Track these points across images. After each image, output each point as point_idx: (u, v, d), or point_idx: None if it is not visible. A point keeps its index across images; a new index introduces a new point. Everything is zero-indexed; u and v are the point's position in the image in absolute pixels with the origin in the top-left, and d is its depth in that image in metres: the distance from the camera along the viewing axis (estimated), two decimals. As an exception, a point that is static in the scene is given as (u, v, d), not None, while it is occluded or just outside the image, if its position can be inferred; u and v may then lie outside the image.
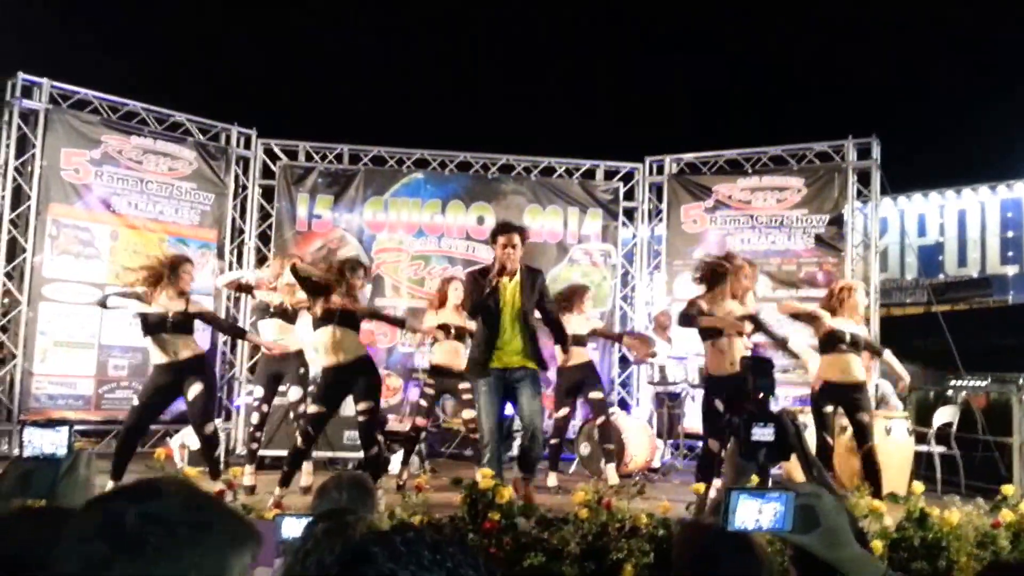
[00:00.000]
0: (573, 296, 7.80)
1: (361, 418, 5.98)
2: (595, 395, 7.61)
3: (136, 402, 6.28)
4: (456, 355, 7.26)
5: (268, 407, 7.04)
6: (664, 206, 10.78)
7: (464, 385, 7.11)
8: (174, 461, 7.14)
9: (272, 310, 7.07)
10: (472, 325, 6.45)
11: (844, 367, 6.17)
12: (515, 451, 7.51)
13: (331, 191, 10.56)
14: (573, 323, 7.55)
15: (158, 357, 6.24)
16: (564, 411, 7.72)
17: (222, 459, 7.56)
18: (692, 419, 9.17)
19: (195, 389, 6.15)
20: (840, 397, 6.13)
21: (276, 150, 10.69)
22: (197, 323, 6.48)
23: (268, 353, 7.03)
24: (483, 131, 15.24)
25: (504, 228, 5.86)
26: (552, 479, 7.42)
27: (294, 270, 6.14)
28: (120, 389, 9.20)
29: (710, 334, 6.07)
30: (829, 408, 6.17)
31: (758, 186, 10.32)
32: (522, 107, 15.61)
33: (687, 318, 6.04)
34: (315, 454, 7.24)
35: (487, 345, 5.73)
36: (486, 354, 5.72)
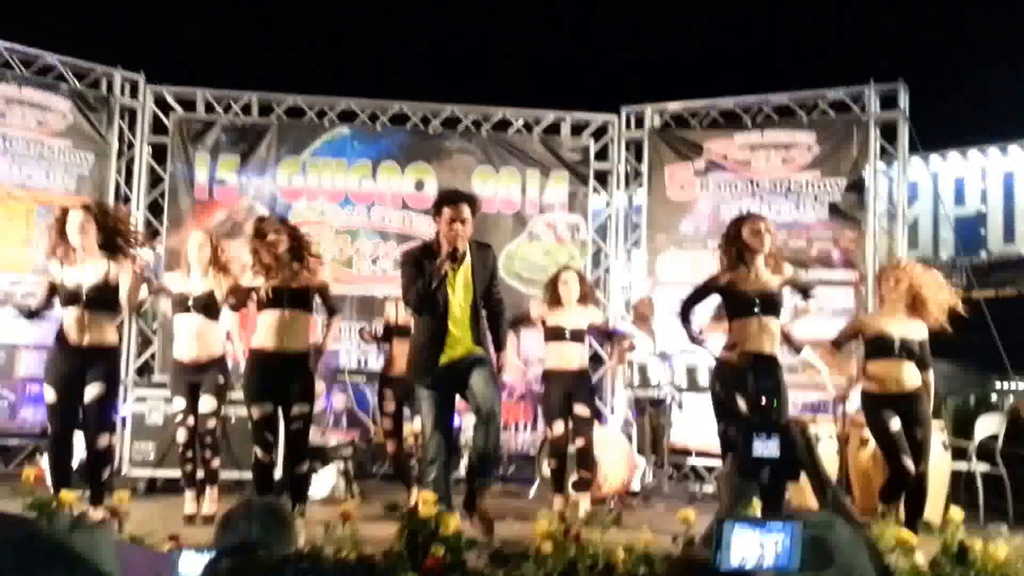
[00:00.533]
0: (559, 285, 7.77)
1: (295, 425, 5.95)
2: (580, 410, 7.56)
3: (49, 399, 6.05)
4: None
5: (195, 419, 6.93)
6: (644, 168, 10.76)
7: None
8: (46, 483, 6.95)
9: (193, 302, 6.87)
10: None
11: (894, 375, 6.33)
12: (463, 471, 7.48)
13: (237, 150, 10.47)
14: (566, 315, 7.58)
15: (65, 335, 6.06)
16: (560, 429, 7.59)
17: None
18: (680, 430, 9.16)
19: (95, 388, 5.98)
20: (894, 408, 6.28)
21: (169, 99, 10.55)
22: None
23: (181, 360, 6.88)
24: (422, 76, 15.14)
25: (451, 198, 5.78)
26: (557, 502, 7.45)
27: (261, 232, 6.06)
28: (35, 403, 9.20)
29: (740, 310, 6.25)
30: (895, 424, 6.23)
31: (760, 143, 10.31)
32: (470, 45, 15.39)
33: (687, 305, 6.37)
34: (222, 475, 7.17)
35: (433, 345, 5.69)
36: (432, 356, 5.67)
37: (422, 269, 5.63)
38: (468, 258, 5.74)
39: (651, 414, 8.97)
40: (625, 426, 9.60)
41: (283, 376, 5.97)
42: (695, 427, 9.08)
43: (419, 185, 10.58)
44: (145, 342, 10.24)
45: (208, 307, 6.85)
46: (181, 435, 6.93)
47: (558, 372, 7.52)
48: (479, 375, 5.66)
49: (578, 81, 15.00)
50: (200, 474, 6.95)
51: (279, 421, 6.08)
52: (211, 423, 6.81)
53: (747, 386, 6.01)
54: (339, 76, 14.01)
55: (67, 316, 6.05)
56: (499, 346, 5.91)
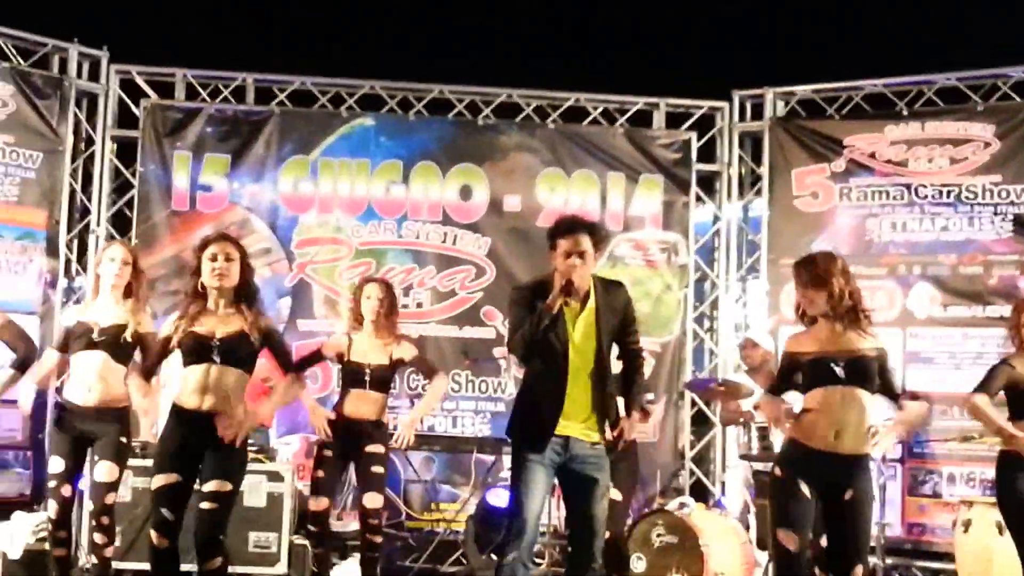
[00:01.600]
0: None
1: (207, 504, 5.99)
2: (614, 493, 7.48)
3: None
4: (367, 401, 7.79)
5: (73, 490, 7.15)
6: (764, 170, 10.87)
7: (373, 449, 7.68)
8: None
9: (97, 336, 7.08)
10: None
11: None
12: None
13: (227, 147, 10.67)
14: None
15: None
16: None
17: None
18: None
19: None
20: None
21: (140, 82, 10.78)
22: None
23: (72, 404, 7.10)
24: (469, 52, 15.00)
25: (566, 227, 5.92)
26: None
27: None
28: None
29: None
30: None
31: (919, 138, 10.35)
32: (531, 11, 15.39)
33: None
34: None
35: (551, 403, 5.82)
36: (550, 417, 5.81)
37: (530, 305, 5.82)
38: (592, 299, 5.90)
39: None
40: (742, 510, 9.61)
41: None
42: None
43: (465, 192, 10.72)
44: None
45: (115, 343, 7.06)
46: (53, 509, 7.10)
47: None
48: (594, 484, 5.86)
49: (676, 57, 14.86)
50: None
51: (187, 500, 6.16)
52: (110, 497, 7.09)
53: None
54: (360, 51, 14.01)
55: None
56: (628, 409, 6.08)
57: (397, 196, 10.72)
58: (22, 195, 10.08)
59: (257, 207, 10.63)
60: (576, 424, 5.80)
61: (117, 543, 7.73)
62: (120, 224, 10.68)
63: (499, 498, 8.46)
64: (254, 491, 8.26)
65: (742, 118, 11.08)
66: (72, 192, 10.50)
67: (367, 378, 7.74)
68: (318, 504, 7.75)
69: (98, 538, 7.03)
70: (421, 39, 15.39)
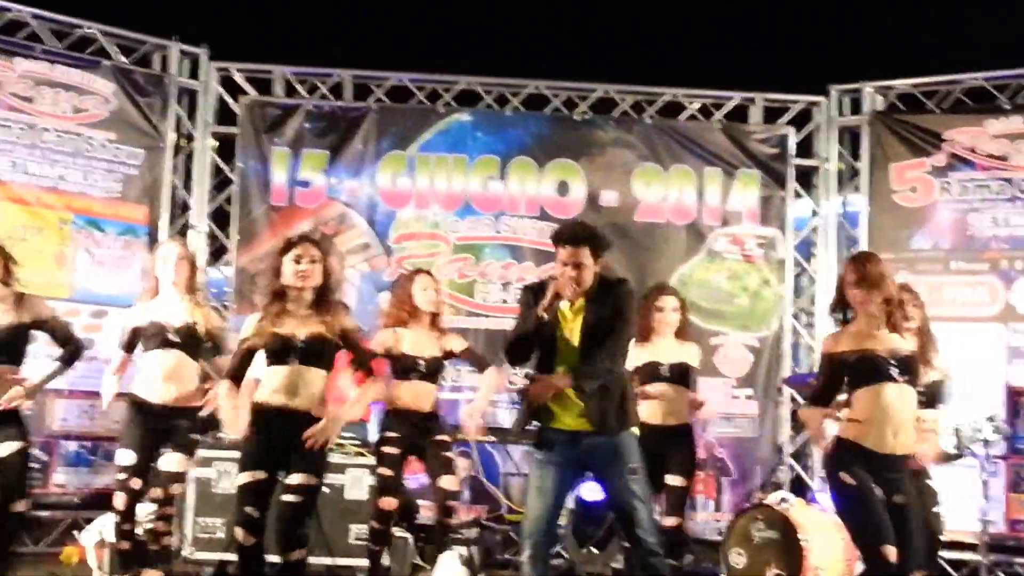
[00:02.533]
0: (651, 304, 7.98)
1: (292, 497, 6.04)
2: (674, 479, 7.69)
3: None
4: (425, 393, 7.83)
5: (143, 482, 7.21)
6: (863, 165, 10.82)
7: (440, 437, 7.76)
8: (89, 565, 7.37)
9: (172, 336, 7.25)
10: None
11: None
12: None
13: (325, 143, 10.75)
14: (658, 349, 7.83)
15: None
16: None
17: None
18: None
19: (9, 445, 6.46)
20: None
21: (239, 79, 10.90)
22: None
23: (146, 401, 7.21)
24: (566, 46, 15.00)
25: (569, 237, 5.98)
26: None
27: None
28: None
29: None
30: None
31: (1022, 131, 10.24)
32: (631, 7, 15.33)
33: None
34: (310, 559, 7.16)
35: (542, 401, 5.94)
36: (544, 415, 5.92)
37: (529, 306, 5.89)
38: (591, 299, 5.91)
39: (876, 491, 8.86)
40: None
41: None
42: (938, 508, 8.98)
43: (562, 188, 10.75)
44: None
45: (190, 339, 7.26)
46: (120, 501, 7.16)
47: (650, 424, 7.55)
48: (623, 468, 5.86)
49: (773, 52, 14.77)
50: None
51: (270, 496, 6.20)
52: (175, 488, 7.26)
53: None
54: (456, 47, 14.05)
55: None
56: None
57: (495, 191, 10.77)
58: (124, 191, 10.22)
59: (355, 202, 10.71)
60: (576, 418, 5.82)
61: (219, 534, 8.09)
62: (219, 219, 10.81)
63: (593, 492, 8.39)
64: (356, 484, 8.30)
65: (840, 113, 11.02)
66: (173, 188, 10.62)
67: (423, 370, 7.76)
68: (388, 504, 7.72)
69: (160, 527, 7.16)
70: (518, 35, 15.36)
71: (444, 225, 10.70)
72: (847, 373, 5.91)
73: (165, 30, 10.67)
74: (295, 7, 14.71)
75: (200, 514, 8.34)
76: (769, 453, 10.43)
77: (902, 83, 10.86)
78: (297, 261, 6.04)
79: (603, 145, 10.83)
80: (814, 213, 11.05)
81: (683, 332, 7.96)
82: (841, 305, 6.00)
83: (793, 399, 10.39)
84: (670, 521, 7.60)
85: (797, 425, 10.55)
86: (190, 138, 10.80)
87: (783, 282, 10.71)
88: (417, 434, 7.77)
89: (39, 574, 7.45)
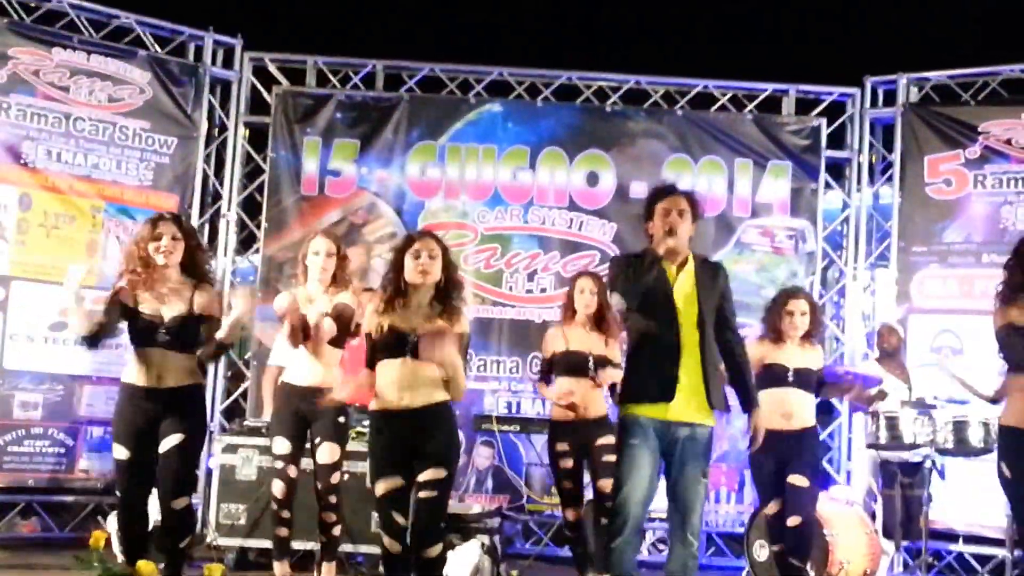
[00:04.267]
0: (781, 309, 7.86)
1: (425, 493, 5.97)
2: (796, 479, 7.57)
3: (120, 456, 6.47)
4: (589, 396, 7.75)
5: (297, 470, 7.26)
6: (896, 157, 10.77)
7: (604, 441, 7.53)
8: (114, 551, 7.31)
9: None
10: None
11: None
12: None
13: (356, 133, 10.78)
14: (784, 354, 7.68)
15: (133, 375, 6.51)
16: (774, 506, 7.71)
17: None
18: (943, 505, 9.07)
19: (174, 439, 6.42)
20: None
21: (272, 69, 10.95)
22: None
23: (292, 386, 7.24)
24: (597, 38, 15.08)
25: (668, 189, 6.06)
26: None
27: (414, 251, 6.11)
28: (31, 439, 9.50)
29: None
30: None
31: (1057, 124, 10.21)
32: (659, -1, 15.29)
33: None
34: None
35: (663, 358, 5.79)
36: (660, 385, 5.77)
37: (637, 264, 5.83)
38: (690, 266, 5.92)
39: (903, 484, 8.88)
40: (868, 499, 9.44)
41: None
42: (963, 502, 9.10)
43: (592, 179, 10.72)
44: (236, 377, 10.69)
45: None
46: (278, 489, 7.19)
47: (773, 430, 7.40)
48: (688, 465, 5.77)
49: (807, 42, 14.64)
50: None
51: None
52: (334, 477, 7.21)
53: None
54: (488, 38, 14.02)
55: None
56: (747, 403, 6.02)
57: (524, 182, 10.74)
58: (156, 180, 10.31)
59: (384, 192, 10.71)
60: (690, 396, 5.74)
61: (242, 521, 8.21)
62: (250, 209, 10.88)
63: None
64: None
65: (873, 104, 10.96)
66: (205, 177, 10.70)
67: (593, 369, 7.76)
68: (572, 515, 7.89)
69: (327, 517, 7.19)
70: (549, 26, 15.37)
71: (473, 215, 10.70)
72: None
73: (200, 20, 10.79)
74: (329, -3, 14.73)
75: (223, 500, 8.41)
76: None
77: (937, 74, 10.80)
78: (417, 256, 5.98)
79: (633, 136, 10.79)
80: (845, 205, 11.01)
81: (811, 336, 7.85)
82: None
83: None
84: (793, 521, 7.52)
85: (823, 418, 10.28)
86: (222, 128, 10.87)
87: (813, 275, 10.63)
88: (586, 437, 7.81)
89: (64, 559, 7.46)
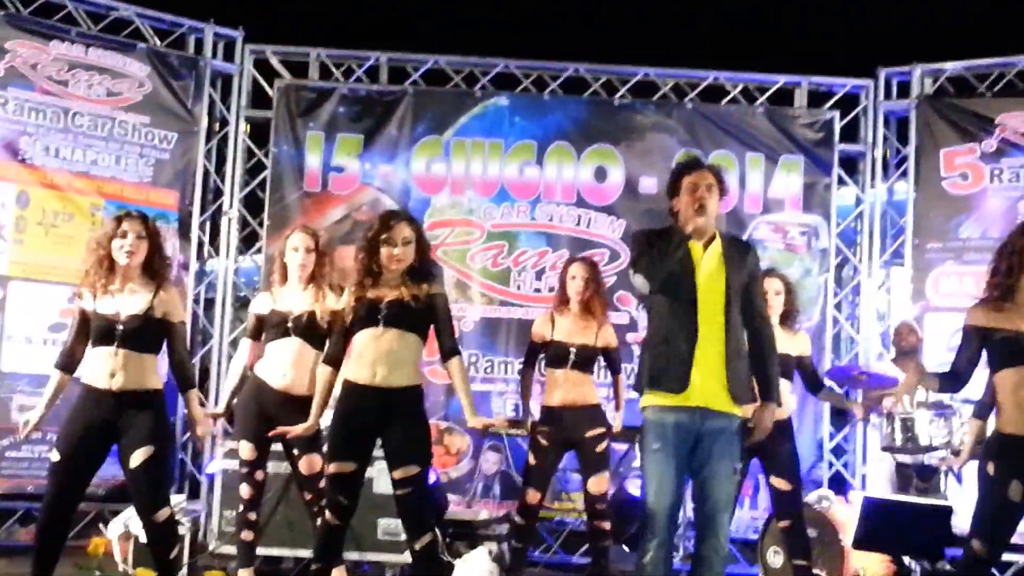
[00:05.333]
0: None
1: (402, 491, 6.01)
2: (779, 482, 7.50)
3: (55, 456, 6.28)
4: (582, 386, 7.79)
5: (264, 473, 7.21)
6: (911, 150, 10.68)
7: (594, 432, 7.66)
8: (114, 558, 7.37)
9: (292, 325, 7.14)
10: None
11: None
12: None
13: (360, 127, 10.70)
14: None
15: (90, 376, 6.33)
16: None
17: (184, 560, 7.68)
18: (959, 511, 8.82)
19: (143, 452, 6.22)
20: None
21: (274, 62, 10.89)
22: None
23: (264, 382, 7.12)
24: (605, 29, 14.99)
25: (695, 163, 5.88)
26: None
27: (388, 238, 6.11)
28: (30, 444, 9.32)
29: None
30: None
31: (1078, 116, 10.16)
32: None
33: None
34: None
35: (684, 343, 5.54)
36: (675, 368, 5.53)
37: (659, 241, 5.62)
38: (717, 244, 5.67)
39: (919, 488, 8.67)
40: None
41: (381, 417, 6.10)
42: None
43: (600, 174, 10.64)
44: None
45: (309, 328, 7.08)
46: (245, 491, 7.16)
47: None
48: (720, 462, 5.57)
49: (817, 33, 14.57)
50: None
51: (360, 486, 6.24)
52: (320, 484, 7.01)
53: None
54: (494, 30, 13.89)
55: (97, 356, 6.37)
56: (765, 392, 5.77)
57: (531, 177, 10.65)
58: (156, 176, 10.23)
59: (389, 188, 10.64)
60: (709, 382, 5.50)
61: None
62: (252, 205, 10.80)
63: (638, 487, 8.21)
64: (384, 477, 7.90)
65: (887, 96, 10.88)
66: (205, 173, 10.63)
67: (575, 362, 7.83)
68: (532, 496, 7.81)
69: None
70: (556, 17, 15.28)
71: (479, 212, 10.61)
72: (989, 350, 5.96)
73: (200, 12, 10.72)
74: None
75: (226, 507, 8.20)
76: (809, 449, 10.15)
77: (953, 65, 10.71)
78: (391, 244, 6.02)
79: (642, 130, 10.69)
80: (859, 201, 10.93)
81: (788, 318, 7.76)
82: (1005, 272, 5.94)
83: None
84: (783, 524, 7.52)
85: (837, 420, 10.54)
86: (223, 122, 10.83)
87: (827, 272, 10.55)
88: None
89: (64, 567, 7.34)
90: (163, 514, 6.29)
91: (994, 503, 5.80)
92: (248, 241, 10.93)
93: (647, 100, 10.86)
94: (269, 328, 7.14)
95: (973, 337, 6.03)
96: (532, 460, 7.91)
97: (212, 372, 10.43)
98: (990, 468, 5.89)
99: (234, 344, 9.88)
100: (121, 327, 6.20)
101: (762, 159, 10.65)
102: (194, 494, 9.98)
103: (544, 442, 7.84)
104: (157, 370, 6.39)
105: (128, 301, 6.26)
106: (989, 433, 6.23)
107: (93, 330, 6.28)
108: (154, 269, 6.36)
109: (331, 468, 6.09)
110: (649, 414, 5.53)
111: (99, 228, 8.85)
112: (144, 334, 6.27)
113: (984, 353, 6.03)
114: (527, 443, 8.12)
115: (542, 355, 8.08)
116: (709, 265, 5.58)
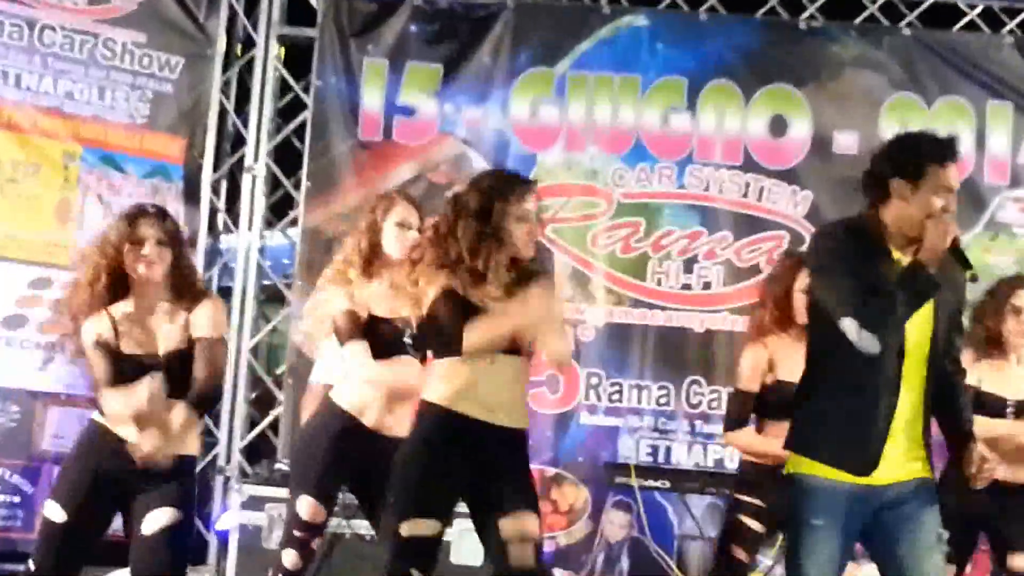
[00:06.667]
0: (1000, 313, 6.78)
1: (518, 549, 5.25)
2: (1020, 563, 6.59)
3: (54, 517, 5.48)
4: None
5: (322, 538, 6.47)
6: None
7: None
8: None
9: (409, 338, 6.19)
10: None
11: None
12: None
13: (438, 54, 9.28)
14: (1004, 378, 6.70)
15: (108, 417, 5.65)
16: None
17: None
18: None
19: (162, 515, 5.51)
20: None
21: (318, -38, 9.52)
22: None
23: (353, 417, 6.08)
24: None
25: (946, 150, 4.71)
26: None
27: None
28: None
29: None
30: None
31: None
32: None
33: None
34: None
35: (875, 417, 4.71)
36: (864, 446, 4.71)
37: (851, 267, 4.69)
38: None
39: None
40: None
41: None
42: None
43: (777, 125, 9.05)
44: (263, 400, 9.35)
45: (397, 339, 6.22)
46: (290, 559, 6.19)
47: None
48: (918, 529, 4.77)
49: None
50: None
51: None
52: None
53: None
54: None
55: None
56: (957, 437, 5.09)
57: (679, 129, 9.09)
58: (154, 116, 9.01)
59: (478, 139, 9.23)
60: (896, 456, 4.74)
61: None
62: (286, 159, 9.41)
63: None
64: (465, 542, 7.60)
65: None
66: (222, 114, 9.27)
67: None
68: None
69: None
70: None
71: (605, 175, 9.05)
72: None
73: None
74: None
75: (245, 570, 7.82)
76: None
77: None
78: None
79: (839, 65, 9.12)
80: None
81: None
82: None
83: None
84: None
85: None
86: (248, 44, 9.42)
87: (1092, 267, 9.37)
88: None
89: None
90: None
91: None
92: (279, 209, 9.54)
93: (847, 23, 9.22)
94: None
95: None
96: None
97: (227, 389, 9.06)
98: None
99: (255, 352, 9.11)
100: (156, 368, 5.65)
101: (1010, 110, 9.09)
102: (199, 558, 8.87)
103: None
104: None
105: (160, 332, 5.68)
106: None
107: (117, 373, 5.65)
108: (180, 282, 5.68)
109: (405, 529, 5.22)
110: (811, 475, 4.94)
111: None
112: (183, 372, 5.70)
113: None
114: (669, 499, 8.17)
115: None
116: (918, 324, 4.91)
